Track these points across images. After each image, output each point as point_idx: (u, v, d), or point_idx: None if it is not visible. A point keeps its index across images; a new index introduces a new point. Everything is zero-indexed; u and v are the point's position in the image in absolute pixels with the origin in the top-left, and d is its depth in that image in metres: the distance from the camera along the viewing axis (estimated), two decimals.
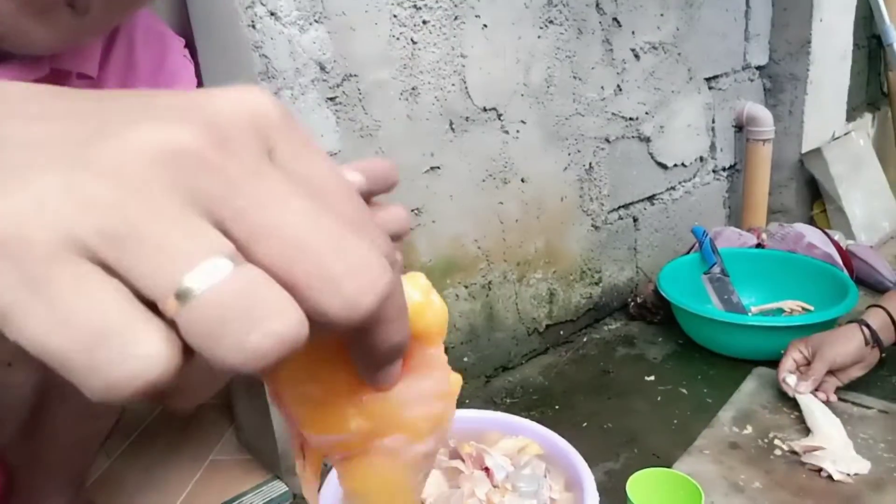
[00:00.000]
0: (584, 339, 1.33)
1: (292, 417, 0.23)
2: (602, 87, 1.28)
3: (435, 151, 1.03)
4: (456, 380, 0.26)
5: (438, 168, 1.04)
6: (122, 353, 0.14)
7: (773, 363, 1.12)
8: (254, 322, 0.15)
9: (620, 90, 1.32)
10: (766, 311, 1.32)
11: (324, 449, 0.24)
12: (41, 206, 0.14)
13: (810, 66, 1.68)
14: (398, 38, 0.94)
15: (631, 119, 1.36)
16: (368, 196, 0.28)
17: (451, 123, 1.04)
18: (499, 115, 1.11)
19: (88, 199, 0.15)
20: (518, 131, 1.14)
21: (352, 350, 0.21)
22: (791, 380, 0.99)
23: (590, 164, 1.29)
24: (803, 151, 1.73)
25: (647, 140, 1.41)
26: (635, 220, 1.44)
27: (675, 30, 1.40)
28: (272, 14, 0.79)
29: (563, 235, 1.27)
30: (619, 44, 1.29)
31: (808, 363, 1.00)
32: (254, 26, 0.78)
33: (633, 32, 1.31)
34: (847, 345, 0.98)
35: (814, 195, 1.80)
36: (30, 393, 0.53)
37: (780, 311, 1.32)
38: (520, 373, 1.22)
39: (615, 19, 1.27)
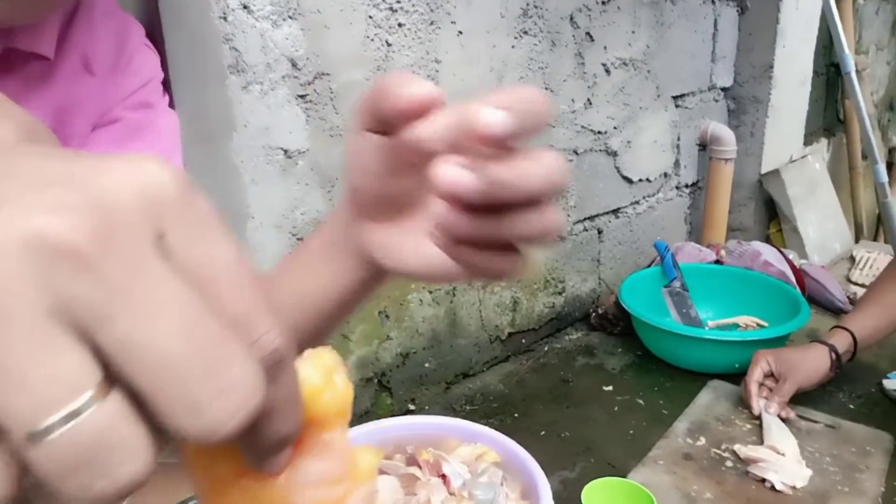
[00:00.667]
0: (546, 349, 1.34)
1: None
2: (573, 100, 1.29)
3: None
4: (368, 460, 0.25)
5: None
6: None
7: (728, 376, 1.15)
8: (102, 469, 0.14)
9: (590, 104, 1.34)
10: (722, 326, 1.36)
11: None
12: None
13: (772, 89, 1.74)
14: (373, 40, 0.93)
15: (599, 133, 1.38)
16: (516, 138, 0.25)
17: None
18: None
19: None
20: None
21: (238, 440, 0.19)
22: (760, 402, 1.02)
23: None
24: (762, 172, 1.78)
25: (615, 154, 1.43)
26: (600, 232, 1.46)
27: (646, 47, 1.43)
28: (245, 7, 0.78)
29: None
30: (591, 58, 1.31)
31: (772, 375, 1.04)
32: (225, 18, 0.76)
33: (605, 47, 1.33)
34: (817, 370, 1.03)
35: (771, 215, 1.86)
36: None
37: (736, 325, 1.35)
38: (480, 380, 1.22)
39: (588, 34, 1.29)
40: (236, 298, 0.17)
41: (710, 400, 1.11)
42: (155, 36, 0.69)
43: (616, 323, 1.37)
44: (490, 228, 0.28)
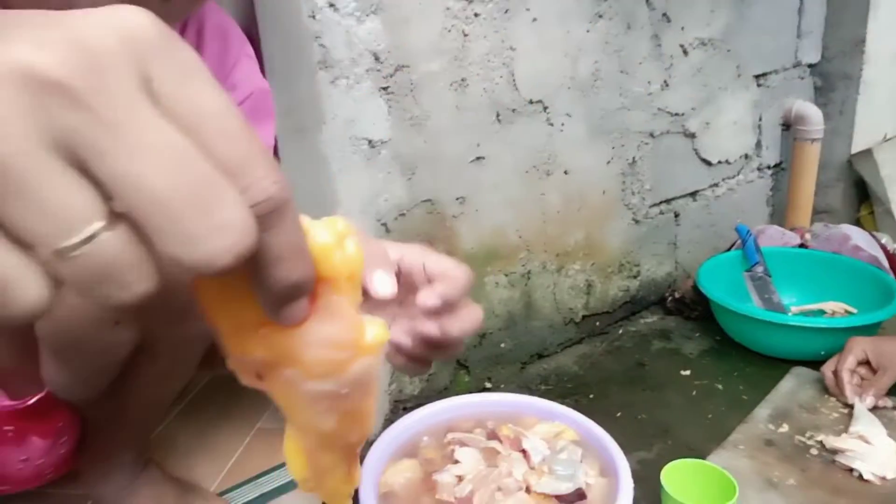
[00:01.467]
0: (620, 332, 1.34)
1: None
2: (649, 82, 1.28)
3: (481, 142, 1.05)
4: (376, 332, 0.26)
5: (483, 158, 1.06)
6: (10, 296, 0.16)
7: (812, 363, 1.12)
8: (119, 284, 0.17)
9: (667, 85, 1.31)
10: (806, 312, 1.31)
11: (240, 364, 0.25)
12: None
13: (864, 65, 1.64)
14: (450, 31, 0.96)
15: (677, 115, 1.35)
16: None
17: (497, 115, 1.06)
18: (545, 108, 1.12)
19: None
20: (563, 124, 1.16)
21: (253, 286, 0.21)
22: (856, 395, 0.98)
23: (633, 158, 1.30)
24: (853, 152, 1.69)
25: (692, 136, 1.40)
26: (676, 215, 1.44)
27: (726, 26, 1.39)
28: (331, 5, 0.82)
29: (603, 228, 1.29)
30: (668, 39, 1.29)
31: (867, 363, 1.00)
32: (314, 17, 0.81)
33: (682, 28, 1.30)
34: None
35: (861, 197, 1.76)
36: (126, 353, 0.57)
37: (822, 312, 1.31)
38: (555, 361, 1.24)
39: (664, 14, 1.26)
40: (226, 144, 0.17)
41: (793, 386, 1.08)
42: (252, 36, 0.74)
43: (693, 307, 1.35)
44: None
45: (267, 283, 0.20)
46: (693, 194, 1.46)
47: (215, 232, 0.17)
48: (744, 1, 1.40)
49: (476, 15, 0.99)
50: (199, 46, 0.66)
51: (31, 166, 0.15)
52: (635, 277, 1.38)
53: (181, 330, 0.57)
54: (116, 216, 0.17)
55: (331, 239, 0.24)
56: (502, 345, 1.17)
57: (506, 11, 1.02)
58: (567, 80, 1.14)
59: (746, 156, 1.56)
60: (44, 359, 0.53)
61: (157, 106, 0.17)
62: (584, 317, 1.29)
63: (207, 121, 0.17)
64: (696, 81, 1.37)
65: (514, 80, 1.06)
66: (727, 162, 1.51)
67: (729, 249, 1.47)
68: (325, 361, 0.25)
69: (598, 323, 1.32)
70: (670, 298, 1.39)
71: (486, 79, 1.03)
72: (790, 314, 1.29)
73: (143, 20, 0.17)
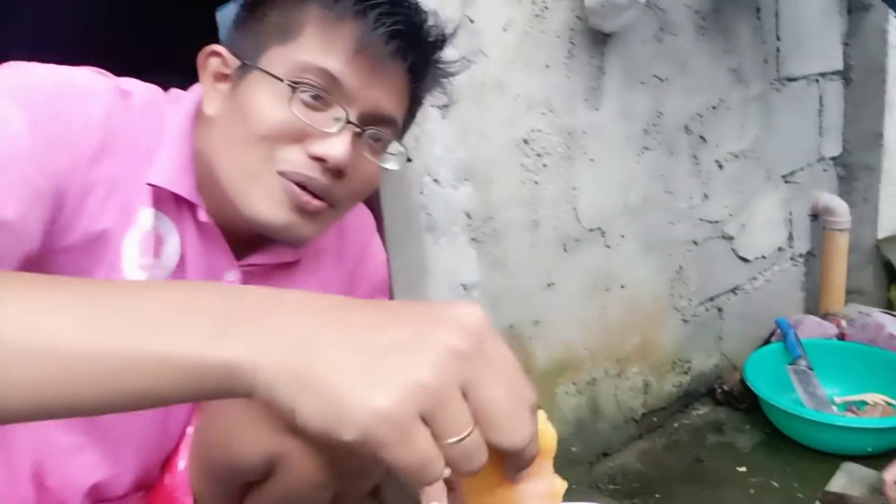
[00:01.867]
0: (675, 425, 1.45)
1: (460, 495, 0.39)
2: (690, 197, 1.42)
3: (551, 271, 1.19)
4: (561, 485, 0.39)
5: (554, 284, 1.20)
6: (434, 471, 0.30)
7: (860, 458, 1.21)
8: (474, 458, 0.32)
9: (706, 197, 1.45)
10: (849, 403, 1.41)
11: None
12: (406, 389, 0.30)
13: (883, 156, 1.78)
14: (524, 182, 1.11)
15: (716, 222, 1.49)
16: None
17: (564, 246, 1.20)
18: (602, 233, 1.26)
19: (426, 387, 0.30)
20: (618, 245, 1.29)
21: (508, 460, 0.35)
22: None
23: (680, 265, 1.43)
24: (879, 237, 1.81)
25: (731, 238, 1.54)
26: (720, 310, 1.56)
27: (755, 137, 1.53)
28: (435, 181, 0.98)
29: (656, 331, 1.41)
30: (705, 157, 1.43)
31: None
32: (422, 192, 0.96)
33: (717, 145, 1.45)
34: None
35: (891, 277, 1.87)
36: None
37: (864, 403, 1.40)
38: (619, 458, 1.35)
39: (701, 136, 1.41)
40: (519, 384, 0.33)
41: (845, 484, 1.18)
42: (372, 208, 0.88)
43: (742, 399, 1.46)
44: None
45: (520, 457, 0.34)
46: (734, 289, 1.58)
47: (522, 431, 0.33)
48: (769, 112, 1.55)
49: (545, 166, 1.14)
50: (341, 240, 0.79)
51: (452, 395, 0.31)
52: (686, 372, 1.49)
53: (363, 484, 0.68)
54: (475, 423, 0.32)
55: (542, 425, 0.38)
56: (573, 448, 1.28)
57: (568, 158, 1.17)
58: (620, 206, 1.29)
59: (780, 248, 1.68)
60: None
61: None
62: (643, 414, 1.40)
63: (510, 369, 0.33)
64: (731, 189, 1.51)
65: (576, 214, 1.21)
66: (763, 257, 1.63)
67: (769, 339, 1.58)
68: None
69: (655, 418, 1.43)
70: (719, 391, 1.49)
71: (554, 217, 1.17)
72: (835, 407, 1.38)
73: (482, 314, 0.33)
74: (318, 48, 0.57)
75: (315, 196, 0.59)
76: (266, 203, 0.58)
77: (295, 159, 0.58)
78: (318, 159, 0.58)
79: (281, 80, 0.57)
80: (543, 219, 1.16)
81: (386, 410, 0.29)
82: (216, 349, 0.31)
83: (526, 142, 1.10)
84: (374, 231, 0.83)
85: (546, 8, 1.08)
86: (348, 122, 0.58)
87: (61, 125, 0.52)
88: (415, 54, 0.60)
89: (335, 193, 0.60)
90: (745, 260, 1.58)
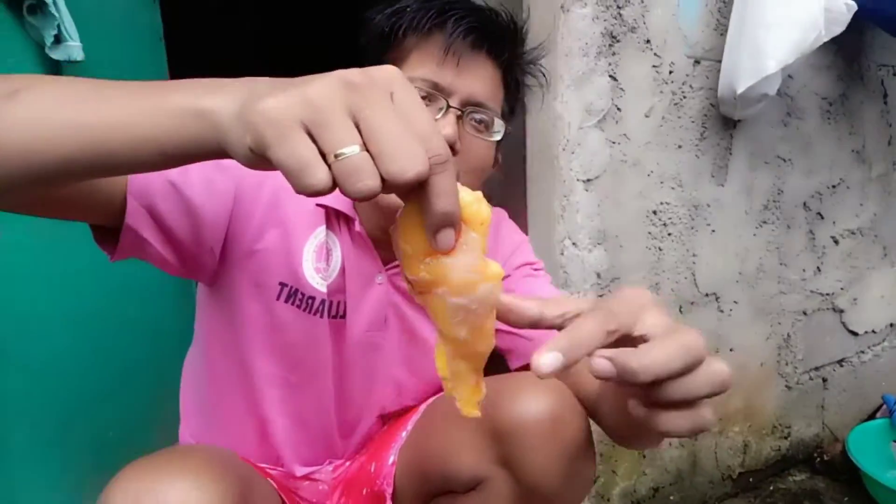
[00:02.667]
0: (771, 488, 1.49)
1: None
2: (803, 270, 1.48)
3: None
4: (497, 268, 0.39)
5: None
6: (312, 175, 0.33)
7: None
8: (359, 179, 0.33)
9: (819, 271, 1.51)
10: None
11: (411, 283, 0.39)
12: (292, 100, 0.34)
13: None
14: (650, 248, 1.23)
15: (827, 294, 1.54)
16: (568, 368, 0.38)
17: (680, 307, 1.30)
18: (717, 298, 1.36)
19: (309, 99, 0.33)
20: (731, 310, 1.38)
21: (424, 219, 0.36)
22: None
23: (788, 334, 1.49)
24: None
25: (841, 311, 1.58)
26: (824, 380, 1.59)
27: (873, 216, 1.57)
28: (574, 244, 1.12)
29: (759, 395, 1.47)
30: (821, 232, 1.49)
31: None
32: (562, 253, 1.10)
33: (833, 222, 1.51)
34: None
35: None
36: None
37: None
38: None
39: (819, 213, 1.48)
40: (421, 127, 0.34)
41: None
42: None
43: (842, 471, 1.49)
44: (656, 395, 0.38)
45: (430, 211, 0.35)
46: (840, 361, 1.61)
47: (410, 160, 0.33)
48: (890, 192, 1.59)
49: (669, 234, 1.25)
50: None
51: (335, 112, 0.34)
52: (786, 438, 1.54)
53: None
54: (365, 146, 0.34)
55: (471, 198, 0.39)
56: (671, 497, 1.36)
57: (692, 228, 1.28)
58: (736, 274, 1.37)
59: (892, 324, 1.69)
60: None
61: (393, 101, 0.35)
62: (739, 473, 1.46)
63: (414, 114, 0.35)
64: (844, 265, 1.55)
65: (694, 280, 1.31)
66: (873, 331, 1.65)
67: (874, 414, 1.60)
68: (463, 282, 0.37)
69: (751, 479, 1.49)
70: (819, 460, 1.53)
71: (674, 281, 1.28)
72: None
73: (393, 71, 0.37)
74: (418, 63, 0.71)
75: None
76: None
77: None
78: None
79: None
80: (664, 282, 1.27)
81: (267, 111, 0.34)
82: (200, 102, 0.38)
83: (655, 213, 1.22)
84: (502, 230, 0.92)
85: (684, 97, 1.20)
86: (449, 106, 0.70)
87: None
88: (490, 42, 0.73)
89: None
90: (854, 333, 1.61)
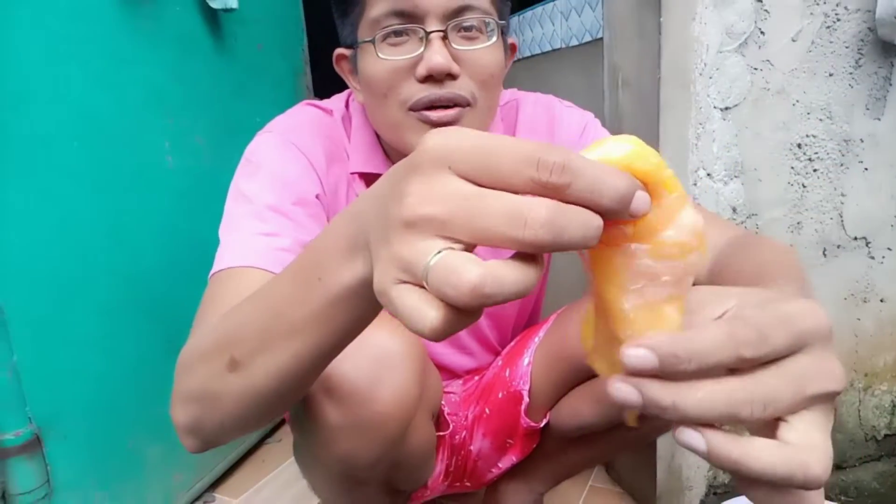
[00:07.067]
0: None
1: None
2: None
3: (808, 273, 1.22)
4: (692, 218, 0.30)
5: None
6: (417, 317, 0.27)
7: None
8: (453, 280, 0.25)
9: None
10: None
11: (605, 235, 0.28)
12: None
13: None
14: (792, 185, 1.16)
15: None
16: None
17: (824, 250, 1.22)
18: (867, 243, 1.25)
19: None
20: (883, 257, 1.27)
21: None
22: None
23: None
24: None
25: None
26: None
27: None
28: (708, 175, 1.08)
29: None
30: None
31: None
32: (695, 184, 1.07)
33: None
34: None
35: None
36: None
37: None
38: (853, 474, 1.33)
39: None
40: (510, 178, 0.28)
41: None
42: None
43: None
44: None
45: (601, 208, 0.27)
46: None
47: (514, 221, 0.26)
48: None
49: (815, 170, 1.17)
50: (518, 126, 0.85)
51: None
52: None
53: None
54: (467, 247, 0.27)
55: (630, 147, 0.30)
56: None
57: (841, 165, 1.19)
58: (891, 218, 1.26)
59: None
60: None
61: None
62: (885, 436, 1.36)
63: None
64: None
65: (841, 221, 1.22)
66: None
67: None
68: (676, 243, 0.29)
69: None
70: None
71: (818, 221, 1.20)
72: None
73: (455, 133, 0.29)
74: (376, 1, 0.64)
75: (447, 107, 0.64)
76: (415, 140, 0.60)
77: (411, 91, 0.64)
78: (427, 79, 0.63)
79: (368, 41, 0.65)
80: (806, 221, 1.19)
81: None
82: (344, 278, 0.35)
83: (799, 146, 1.15)
84: (557, 118, 0.84)
85: (838, 20, 1.11)
86: (427, 32, 0.63)
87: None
88: None
89: (461, 94, 0.64)
90: None
